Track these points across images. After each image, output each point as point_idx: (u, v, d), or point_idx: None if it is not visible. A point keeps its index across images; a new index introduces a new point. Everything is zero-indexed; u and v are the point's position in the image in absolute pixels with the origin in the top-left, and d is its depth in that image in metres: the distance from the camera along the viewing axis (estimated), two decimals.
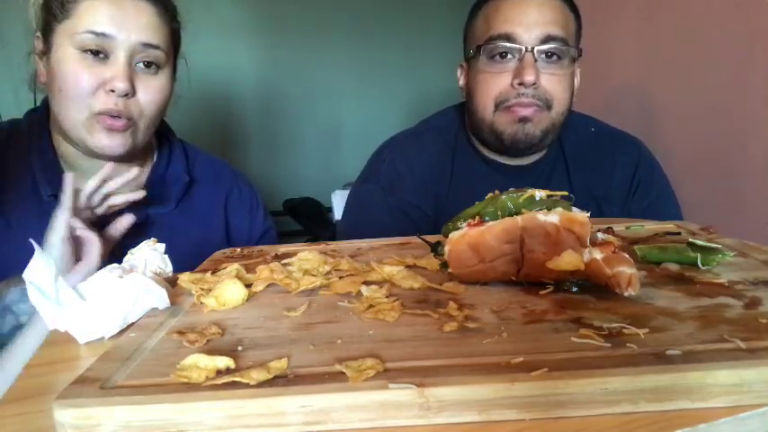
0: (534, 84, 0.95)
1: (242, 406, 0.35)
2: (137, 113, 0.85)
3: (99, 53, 0.81)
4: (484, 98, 1.01)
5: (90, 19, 0.80)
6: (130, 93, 0.83)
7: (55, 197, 0.85)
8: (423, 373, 0.37)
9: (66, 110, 0.83)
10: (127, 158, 0.89)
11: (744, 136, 1.26)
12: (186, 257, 0.65)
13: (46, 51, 0.84)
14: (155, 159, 0.98)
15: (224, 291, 0.54)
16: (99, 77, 0.81)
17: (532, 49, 0.95)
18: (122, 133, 0.85)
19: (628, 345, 0.40)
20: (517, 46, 0.96)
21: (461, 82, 1.10)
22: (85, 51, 0.81)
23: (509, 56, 0.97)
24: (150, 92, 0.86)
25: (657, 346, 0.39)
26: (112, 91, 0.81)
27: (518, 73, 0.96)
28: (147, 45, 0.83)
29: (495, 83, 0.99)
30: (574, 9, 1.02)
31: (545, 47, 0.95)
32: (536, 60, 0.96)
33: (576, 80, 1.05)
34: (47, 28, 0.83)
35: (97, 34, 0.80)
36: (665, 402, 0.35)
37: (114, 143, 0.85)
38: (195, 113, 2.80)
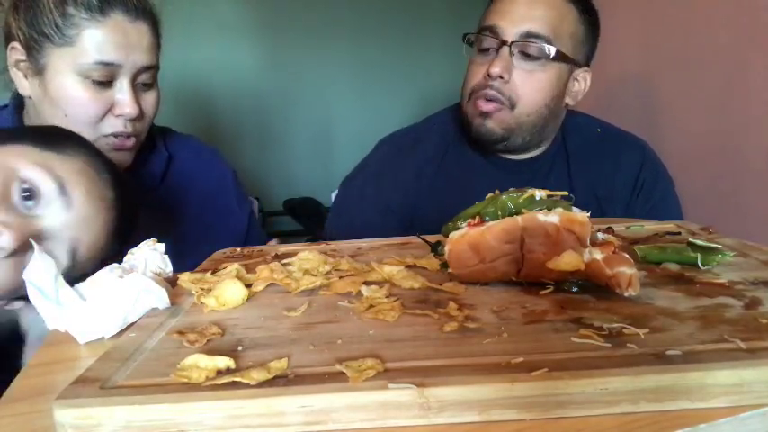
0: (501, 78, 0.96)
1: (242, 406, 0.35)
2: (142, 129, 0.89)
3: (105, 80, 0.82)
4: (464, 88, 1.04)
5: (96, 49, 0.81)
6: (139, 115, 0.86)
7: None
8: (423, 373, 0.37)
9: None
10: None
11: (744, 136, 1.26)
12: (178, 234, 0.65)
13: (36, 69, 0.83)
14: None
15: (224, 291, 0.54)
16: (107, 103, 0.83)
17: (510, 43, 0.95)
18: (128, 150, 0.88)
19: (628, 345, 0.40)
20: (495, 39, 0.97)
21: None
22: (89, 78, 0.81)
23: (491, 49, 0.98)
24: (150, 106, 0.89)
25: (657, 346, 0.39)
26: (121, 115, 0.84)
27: (489, 65, 0.97)
28: (149, 67, 0.86)
29: (474, 73, 1.01)
30: (585, 10, 1.00)
31: (521, 43, 0.95)
32: (512, 55, 0.96)
33: (578, 84, 1.04)
34: (35, 45, 0.82)
35: (105, 64, 0.81)
36: (665, 402, 0.35)
37: (122, 159, 0.88)
38: (194, 112, 2.81)
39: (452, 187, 1.07)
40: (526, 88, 0.98)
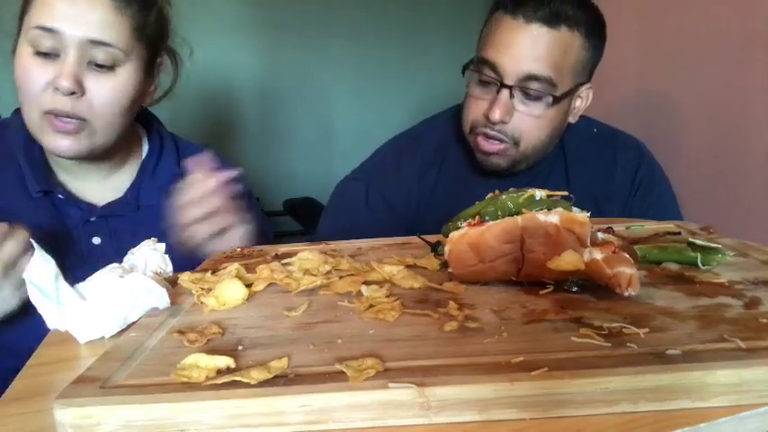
0: (502, 122, 0.94)
1: (242, 406, 0.35)
2: (89, 114, 0.81)
3: (50, 51, 0.78)
4: (464, 119, 1.02)
5: (42, 14, 0.77)
6: (78, 92, 0.78)
7: (44, 193, 0.85)
8: (423, 373, 0.37)
9: (24, 109, 0.81)
10: (98, 158, 0.88)
11: (744, 136, 1.26)
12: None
13: (14, 49, 0.82)
14: (144, 153, 0.96)
15: (224, 290, 0.54)
16: (48, 75, 0.78)
17: (511, 86, 0.93)
18: (74, 135, 0.81)
19: (628, 344, 0.40)
20: (496, 79, 0.94)
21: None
22: (35, 47, 0.78)
23: (491, 85, 0.95)
24: (103, 92, 0.81)
25: (657, 345, 0.39)
26: (57, 88, 0.78)
27: (489, 107, 0.95)
28: (98, 42, 0.78)
29: (473, 108, 0.99)
30: (592, 32, 0.95)
31: (522, 85, 0.93)
32: (512, 96, 0.93)
33: (580, 101, 1.02)
34: (19, 23, 0.81)
35: (46, 29, 0.77)
36: (665, 402, 0.35)
37: (64, 145, 0.81)
38: (194, 112, 2.80)
39: (453, 189, 1.07)
40: (527, 128, 0.96)
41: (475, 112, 0.99)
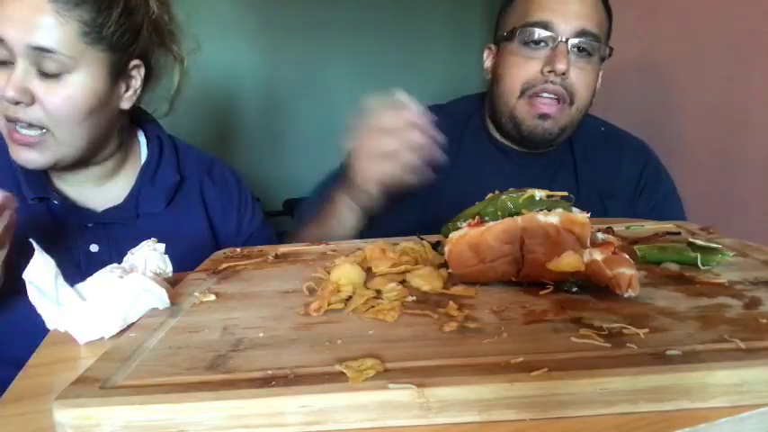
0: (564, 74, 0.96)
1: (242, 406, 0.35)
2: (47, 122, 0.77)
3: (5, 59, 0.75)
4: (511, 82, 1.01)
5: None
6: (24, 101, 0.75)
7: (39, 200, 0.83)
8: (423, 373, 0.37)
9: None
10: (86, 164, 0.87)
11: (744, 135, 1.26)
12: (181, 255, 0.64)
13: None
14: (143, 159, 0.95)
15: (347, 273, 0.55)
16: (3, 84, 0.75)
17: (567, 39, 0.96)
18: (36, 148, 0.78)
19: (628, 345, 0.40)
20: (552, 34, 0.97)
21: (487, 64, 1.10)
22: None
23: (542, 44, 0.98)
24: (54, 100, 0.76)
25: (657, 346, 0.39)
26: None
27: (550, 61, 0.96)
28: (41, 49, 0.74)
29: (525, 68, 0.99)
30: (608, 11, 1.03)
31: (579, 40, 0.96)
32: (568, 52, 0.96)
33: (599, 82, 1.05)
34: None
35: None
36: (664, 402, 0.35)
37: (26, 158, 0.79)
38: (195, 113, 2.80)
39: (466, 174, 1.05)
40: (581, 84, 0.99)
41: (527, 71, 0.99)
